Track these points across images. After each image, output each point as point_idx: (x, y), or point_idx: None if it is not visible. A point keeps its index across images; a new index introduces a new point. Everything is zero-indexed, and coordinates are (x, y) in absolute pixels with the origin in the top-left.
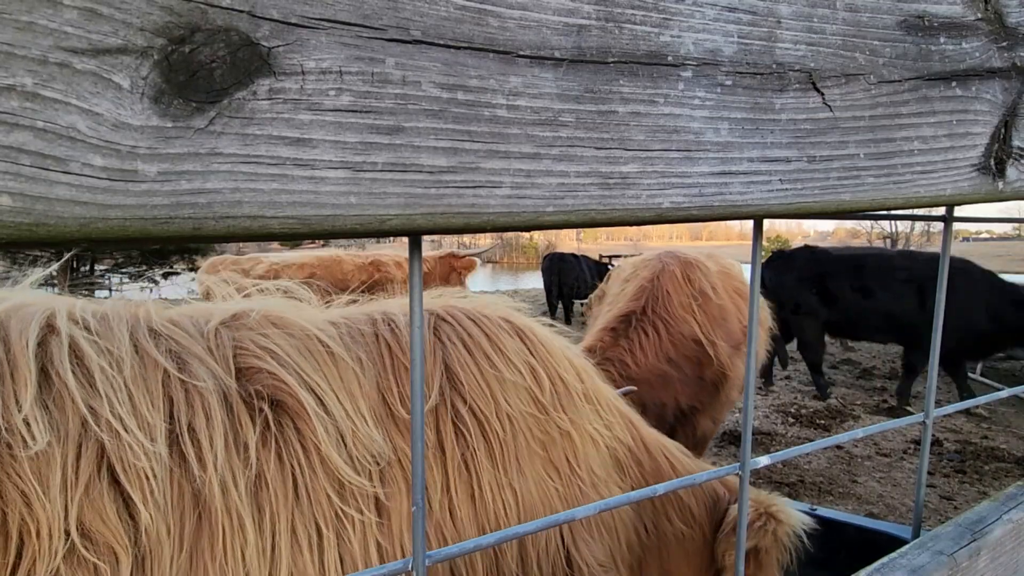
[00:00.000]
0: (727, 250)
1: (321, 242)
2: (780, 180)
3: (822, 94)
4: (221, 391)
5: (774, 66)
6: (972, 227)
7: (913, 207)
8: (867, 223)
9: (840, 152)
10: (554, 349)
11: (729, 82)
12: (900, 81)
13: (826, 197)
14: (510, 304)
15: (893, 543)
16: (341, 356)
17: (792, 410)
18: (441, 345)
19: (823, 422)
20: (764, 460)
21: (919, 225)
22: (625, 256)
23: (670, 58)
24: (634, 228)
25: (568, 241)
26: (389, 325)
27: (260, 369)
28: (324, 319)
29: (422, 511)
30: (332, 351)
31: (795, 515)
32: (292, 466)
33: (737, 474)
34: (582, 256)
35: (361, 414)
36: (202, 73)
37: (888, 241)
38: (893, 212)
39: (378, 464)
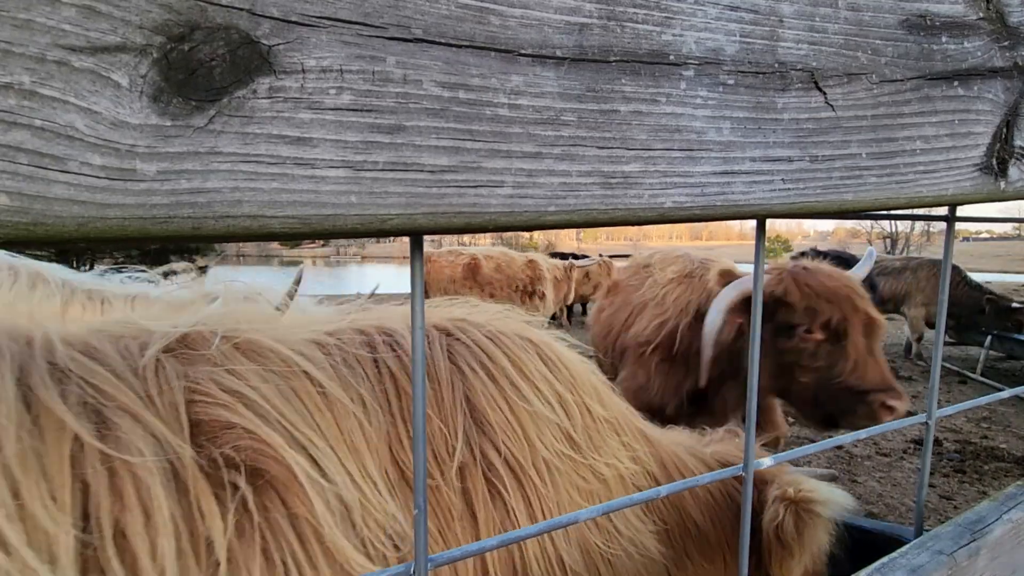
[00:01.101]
0: (727, 250)
1: (321, 242)
2: (783, 180)
3: (824, 93)
4: (168, 465)
5: (776, 65)
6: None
7: (915, 207)
8: (867, 223)
9: (842, 152)
10: (576, 371)
11: (731, 81)
12: (902, 80)
13: (828, 197)
14: (520, 314)
15: (892, 543)
16: (338, 398)
17: (792, 410)
18: (460, 374)
19: None
20: (767, 461)
21: (919, 225)
22: (625, 256)
23: (672, 57)
24: (635, 228)
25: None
26: (391, 346)
27: (228, 423)
28: (308, 339)
29: (424, 514)
30: (326, 391)
31: (828, 499)
32: (286, 564)
33: (741, 475)
34: (582, 256)
35: (370, 478)
36: (201, 71)
37: (888, 241)
38: (895, 212)
39: (398, 549)
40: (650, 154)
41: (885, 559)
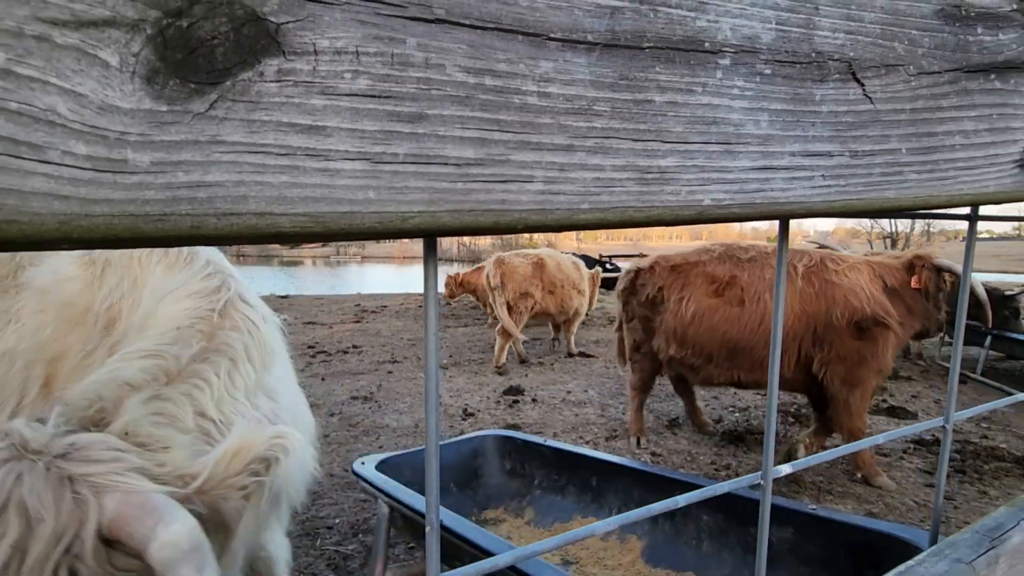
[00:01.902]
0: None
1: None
2: (823, 176)
3: (862, 85)
4: None
5: (813, 55)
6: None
7: (956, 205)
8: (867, 222)
9: (882, 147)
10: None
11: (768, 71)
12: (939, 72)
13: (870, 194)
14: None
15: (893, 543)
16: None
17: (792, 410)
18: None
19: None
20: (786, 468)
21: (919, 225)
22: (624, 256)
23: (707, 44)
24: (635, 229)
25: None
26: None
27: None
28: None
29: (436, 531)
30: None
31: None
32: None
33: (759, 483)
34: (583, 256)
35: None
36: (202, 51)
37: (888, 241)
38: (923, 211)
39: None
40: (687, 147)
41: (902, 567)
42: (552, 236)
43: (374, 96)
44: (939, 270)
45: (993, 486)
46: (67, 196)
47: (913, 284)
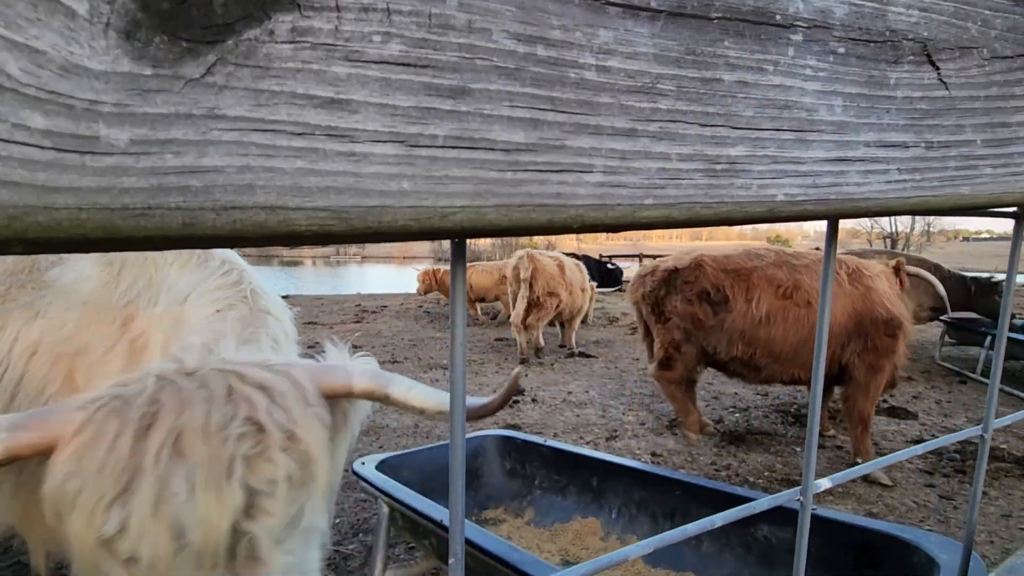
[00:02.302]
0: (727, 250)
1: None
2: (898, 169)
3: (937, 68)
4: None
5: (887, 33)
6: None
7: None
8: (867, 222)
9: (957, 137)
10: None
11: (842, 50)
12: (1012, 57)
13: (945, 190)
14: None
15: (893, 543)
16: None
17: (792, 410)
18: None
19: (823, 422)
20: (824, 483)
21: (919, 225)
22: (624, 256)
23: (778, 17)
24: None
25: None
26: None
27: None
28: None
29: (460, 563)
30: None
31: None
32: None
33: (799, 499)
34: (583, 256)
35: None
36: (197, 0)
37: (888, 241)
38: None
39: None
40: (758, 135)
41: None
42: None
43: (408, 65)
44: (908, 274)
45: (993, 486)
46: (18, 183)
47: (899, 287)
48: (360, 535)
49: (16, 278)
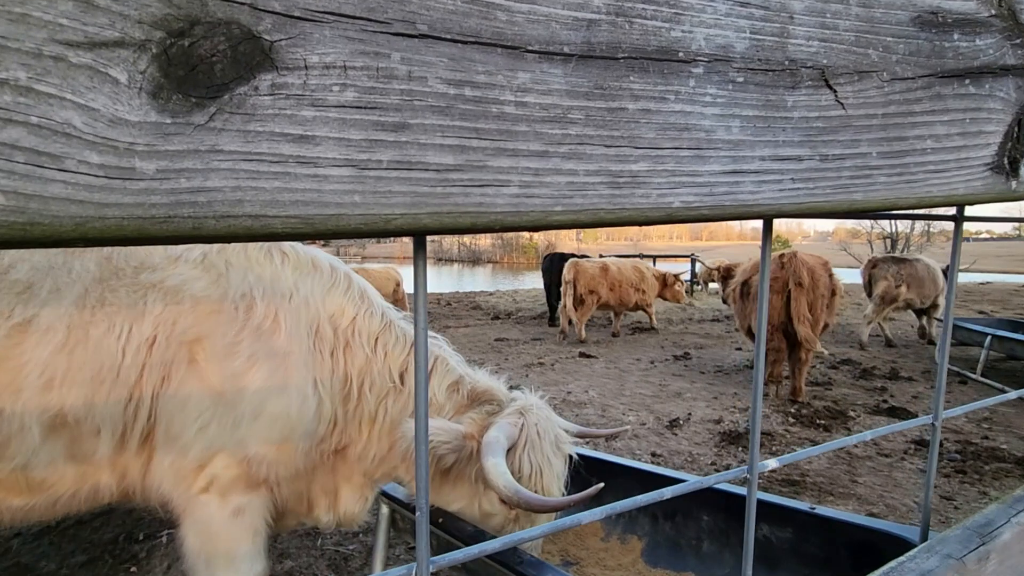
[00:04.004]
0: (727, 250)
1: (321, 242)
2: (792, 179)
3: (835, 91)
4: None
5: (786, 63)
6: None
7: (926, 207)
8: (867, 223)
9: (852, 151)
10: None
11: (741, 79)
12: (913, 79)
13: (838, 197)
14: None
15: (894, 543)
16: None
17: (792, 410)
18: None
19: (823, 422)
20: (772, 463)
21: (919, 225)
22: (624, 257)
23: (681, 54)
24: (634, 228)
25: (568, 241)
26: None
27: None
28: None
29: (426, 516)
30: None
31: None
32: None
33: (745, 477)
34: (581, 256)
35: None
36: (202, 67)
37: (888, 241)
38: (903, 212)
39: None
40: (658, 153)
41: (894, 563)
42: (551, 234)
43: (360, 107)
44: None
45: (993, 486)
46: (82, 201)
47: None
48: (360, 535)
49: (107, 284)
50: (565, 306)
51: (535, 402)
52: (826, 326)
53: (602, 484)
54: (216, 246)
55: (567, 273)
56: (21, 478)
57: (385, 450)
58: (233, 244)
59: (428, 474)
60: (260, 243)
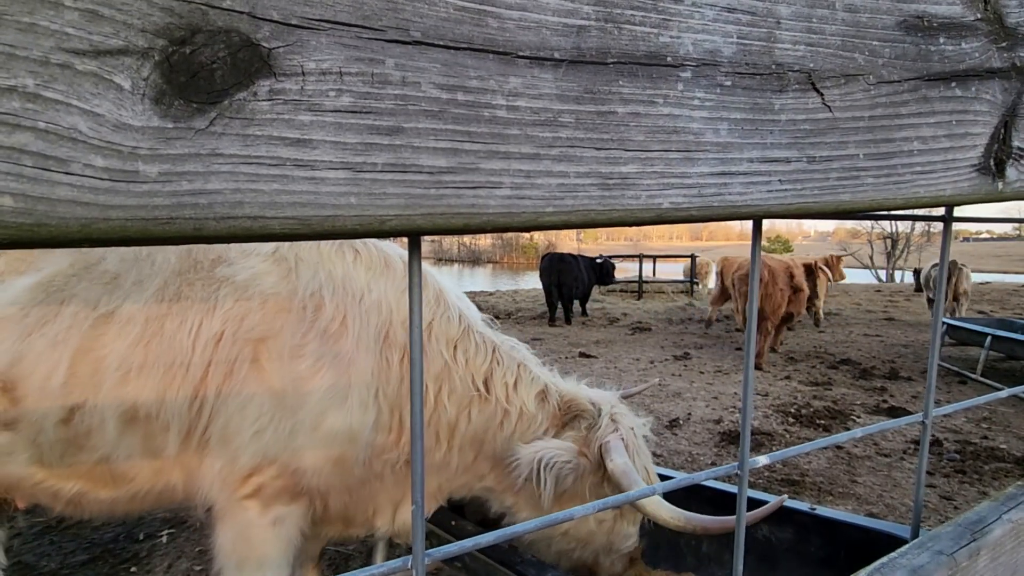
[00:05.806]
0: (726, 250)
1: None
2: (780, 180)
3: (821, 95)
4: None
5: (773, 67)
6: (972, 227)
7: (913, 207)
8: (867, 223)
9: (840, 153)
10: None
11: (728, 83)
12: (900, 82)
13: (825, 198)
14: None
15: (893, 543)
16: None
17: (792, 410)
18: None
19: (823, 422)
20: (763, 460)
21: (919, 225)
22: (623, 257)
23: (669, 59)
24: (634, 228)
25: (568, 241)
26: None
27: None
28: None
29: (421, 509)
30: None
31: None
32: None
33: (736, 473)
34: (580, 256)
35: None
36: (203, 74)
37: (888, 241)
38: (893, 212)
39: None
40: (647, 155)
41: (885, 559)
42: (551, 234)
43: (355, 112)
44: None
45: (993, 486)
46: (88, 203)
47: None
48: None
49: (185, 277)
50: (713, 296)
51: (610, 399)
52: (791, 315)
53: (785, 496)
54: None
55: (714, 264)
56: (105, 470)
57: (469, 461)
58: None
59: (423, 468)
60: None
